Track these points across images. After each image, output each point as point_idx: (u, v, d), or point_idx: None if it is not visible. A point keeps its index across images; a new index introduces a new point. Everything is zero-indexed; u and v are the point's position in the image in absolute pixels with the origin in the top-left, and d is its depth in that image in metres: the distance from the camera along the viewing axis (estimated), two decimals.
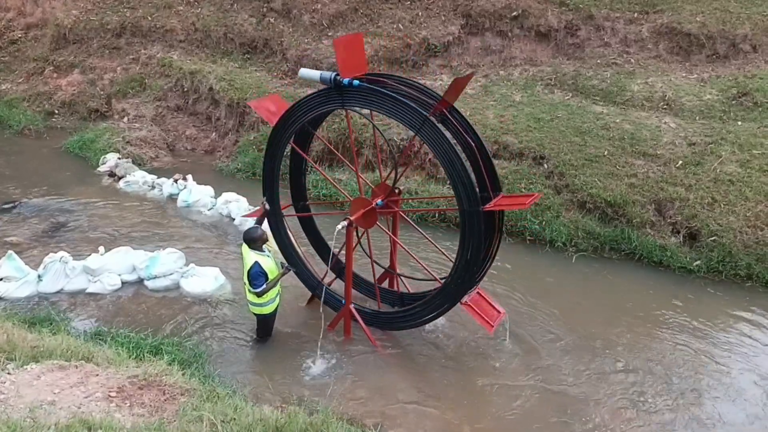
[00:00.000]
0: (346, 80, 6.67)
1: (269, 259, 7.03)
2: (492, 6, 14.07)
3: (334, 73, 6.76)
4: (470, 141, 6.86)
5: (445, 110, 6.73)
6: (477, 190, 6.48)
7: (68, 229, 10.22)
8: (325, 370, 6.96)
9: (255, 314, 7.24)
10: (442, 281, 7.06)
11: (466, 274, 6.71)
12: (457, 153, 6.41)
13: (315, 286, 7.81)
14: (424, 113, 6.39)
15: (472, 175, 6.49)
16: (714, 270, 9.16)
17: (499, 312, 7.12)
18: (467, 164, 6.50)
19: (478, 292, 7.09)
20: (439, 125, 6.47)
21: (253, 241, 6.98)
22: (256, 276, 6.82)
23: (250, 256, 6.91)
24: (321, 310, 7.29)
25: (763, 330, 7.99)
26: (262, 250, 7.02)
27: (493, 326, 6.86)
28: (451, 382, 6.89)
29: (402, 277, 8.02)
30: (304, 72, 7.23)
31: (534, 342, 7.58)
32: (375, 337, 7.38)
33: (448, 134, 6.52)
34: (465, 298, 6.89)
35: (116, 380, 5.40)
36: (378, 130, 7.58)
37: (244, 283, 7.06)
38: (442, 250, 7.74)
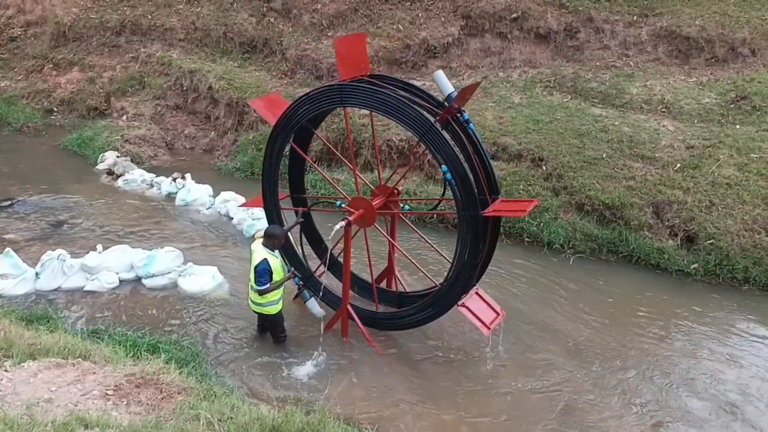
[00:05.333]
0: None
1: (277, 261, 7.02)
2: (492, 7, 14.10)
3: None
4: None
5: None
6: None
7: (66, 226, 10.21)
8: (322, 370, 6.96)
9: (257, 313, 7.24)
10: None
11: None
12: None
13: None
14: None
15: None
16: (711, 273, 9.18)
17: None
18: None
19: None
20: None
21: (272, 236, 6.95)
22: (263, 273, 6.79)
23: (260, 253, 6.89)
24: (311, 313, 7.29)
25: (760, 333, 8.01)
26: (273, 250, 7.01)
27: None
28: (449, 382, 6.90)
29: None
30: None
31: (531, 343, 7.58)
32: (373, 337, 7.39)
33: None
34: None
35: (113, 378, 5.40)
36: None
37: (249, 280, 7.06)
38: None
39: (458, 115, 6.79)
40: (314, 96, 6.97)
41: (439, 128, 6.40)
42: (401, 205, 7.65)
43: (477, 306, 6.91)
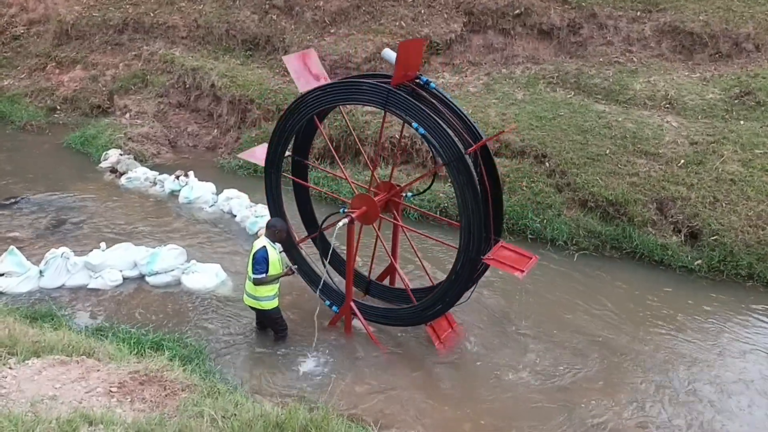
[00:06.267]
0: None
1: (276, 254, 7.02)
2: (494, 4, 14.05)
3: None
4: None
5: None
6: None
7: (70, 224, 10.23)
8: (326, 367, 6.97)
9: (253, 308, 7.24)
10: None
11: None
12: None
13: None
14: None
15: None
16: (715, 269, 9.15)
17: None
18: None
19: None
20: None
21: (273, 227, 7.01)
22: (260, 260, 6.80)
23: (261, 241, 6.92)
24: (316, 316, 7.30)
25: (763, 330, 7.99)
26: (274, 242, 7.02)
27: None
28: (452, 379, 6.90)
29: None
30: None
31: (535, 340, 7.58)
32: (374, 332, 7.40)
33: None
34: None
35: (117, 375, 5.41)
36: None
37: (247, 272, 7.06)
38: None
39: (416, 80, 6.93)
40: (285, 120, 7.26)
41: (399, 92, 6.50)
42: (406, 194, 7.67)
43: (504, 255, 6.74)
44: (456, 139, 6.44)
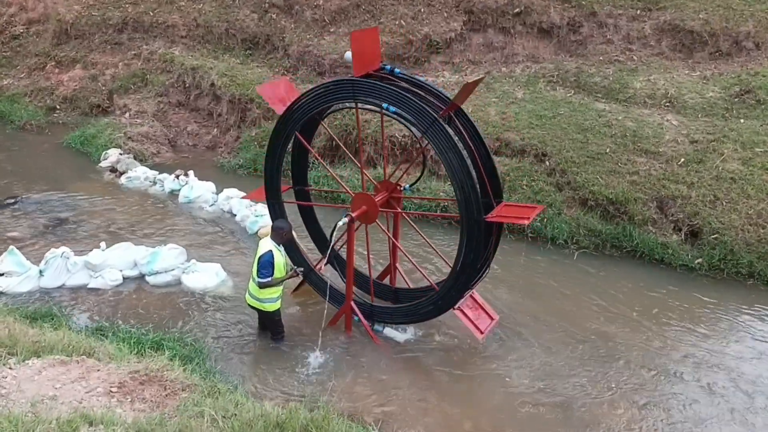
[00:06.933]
0: None
1: (282, 257, 7.01)
2: (494, 2, 14.04)
3: None
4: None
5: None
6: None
7: (69, 224, 10.22)
8: (326, 366, 6.96)
9: (255, 309, 7.23)
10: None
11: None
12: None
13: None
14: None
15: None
16: (715, 268, 9.14)
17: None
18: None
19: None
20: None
21: (279, 229, 6.97)
22: (266, 264, 6.78)
23: (267, 245, 6.89)
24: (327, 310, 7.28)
25: (765, 328, 7.98)
26: (279, 244, 7.00)
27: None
28: (452, 378, 6.89)
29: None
30: None
31: (535, 340, 7.56)
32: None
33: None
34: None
35: (117, 375, 5.41)
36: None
37: (251, 272, 7.05)
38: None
39: (381, 70, 7.05)
40: (274, 143, 7.42)
41: (363, 80, 6.62)
42: (403, 186, 7.64)
43: (508, 210, 6.73)
44: (427, 108, 6.46)
